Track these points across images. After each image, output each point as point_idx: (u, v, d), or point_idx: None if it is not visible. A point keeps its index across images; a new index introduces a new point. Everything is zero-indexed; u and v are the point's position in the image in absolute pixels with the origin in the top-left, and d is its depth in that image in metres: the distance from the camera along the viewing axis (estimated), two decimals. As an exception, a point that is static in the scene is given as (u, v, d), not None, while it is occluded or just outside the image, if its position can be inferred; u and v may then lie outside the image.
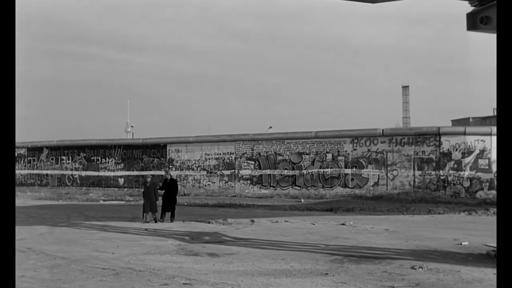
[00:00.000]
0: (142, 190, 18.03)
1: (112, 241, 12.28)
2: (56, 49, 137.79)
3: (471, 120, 69.18)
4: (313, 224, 16.42)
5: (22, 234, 13.23)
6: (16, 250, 10.68)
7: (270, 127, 47.88)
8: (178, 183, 31.36)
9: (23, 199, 29.37)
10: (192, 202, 25.63)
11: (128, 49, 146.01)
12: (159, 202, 17.20)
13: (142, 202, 17.54)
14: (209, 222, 16.92)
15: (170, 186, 17.57)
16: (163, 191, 17.43)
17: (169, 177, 18.20)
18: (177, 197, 17.87)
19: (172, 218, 16.98)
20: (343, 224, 16.38)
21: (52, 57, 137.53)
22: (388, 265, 9.43)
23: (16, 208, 19.32)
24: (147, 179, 17.81)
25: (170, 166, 33.16)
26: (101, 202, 27.13)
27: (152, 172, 31.69)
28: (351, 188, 28.19)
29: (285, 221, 17.28)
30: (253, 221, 17.30)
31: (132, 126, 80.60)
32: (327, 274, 8.56)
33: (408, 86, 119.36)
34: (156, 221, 16.55)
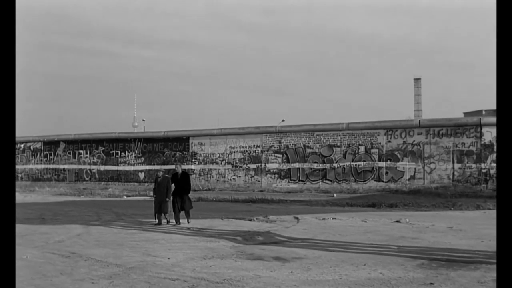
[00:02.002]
0: (153, 186, 15.53)
1: (159, 243, 11.05)
2: (60, 44, 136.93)
3: (484, 112, 67.58)
4: (365, 222, 15.17)
5: (59, 235, 12.07)
6: (60, 256, 9.48)
7: (283, 120, 46.58)
8: (191, 177, 30.09)
9: (42, 195, 28.32)
10: (221, 198, 24.43)
11: (133, 43, 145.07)
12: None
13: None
14: (250, 220, 15.73)
15: (181, 181, 15.14)
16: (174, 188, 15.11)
17: (180, 171, 15.58)
18: (189, 195, 15.30)
19: (187, 218, 14.76)
20: (397, 221, 15.12)
21: (57, 52, 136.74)
22: (490, 271, 8.14)
23: (39, 205, 18.01)
24: (159, 174, 15.40)
25: (193, 160, 31.95)
26: (125, 198, 25.97)
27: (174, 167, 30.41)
28: (386, 182, 26.86)
29: (332, 218, 16.02)
30: (297, 218, 16.08)
31: (143, 120, 79.63)
32: (432, 284, 7.28)
33: (420, 79, 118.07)
34: (167, 222, 14.57)
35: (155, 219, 14.71)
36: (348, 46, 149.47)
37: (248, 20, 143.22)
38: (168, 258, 9.10)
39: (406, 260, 9.18)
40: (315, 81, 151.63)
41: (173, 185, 15.01)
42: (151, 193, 15.87)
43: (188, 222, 14.63)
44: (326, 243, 11.34)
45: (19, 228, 13.43)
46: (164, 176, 15.31)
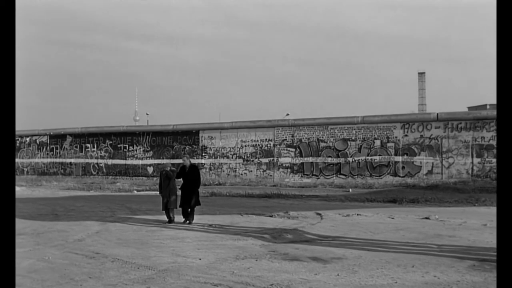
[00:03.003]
0: (159, 181, 14.18)
1: (185, 241, 10.42)
2: (62, 39, 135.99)
3: (488, 106, 67.06)
4: (392, 218, 14.53)
5: (77, 232, 11.43)
6: (84, 256, 8.81)
7: (287, 114, 45.94)
8: (201, 171, 29.08)
9: (50, 189, 27.73)
10: (235, 193, 23.82)
11: (134, 38, 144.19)
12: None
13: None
14: (271, 216, 15.11)
15: (189, 175, 13.68)
16: (181, 182, 13.83)
17: (188, 163, 13.95)
18: (199, 190, 13.91)
19: (190, 218, 13.36)
20: (427, 218, 14.46)
21: (58, 47, 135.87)
22: (551, 274, 7.49)
23: (49, 200, 17.25)
24: (166, 168, 14.09)
25: (203, 154, 31.27)
26: (135, 192, 25.35)
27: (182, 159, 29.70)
28: (402, 177, 26.20)
29: (357, 214, 15.38)
30: (319, 214, 15.46)
31: (147, 114, 79.06)
32: (497, 290, 6.62)
33: (424, 73, 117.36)
34: (172, 221, 13.37)
35: (167, 217, 13.60)
36: (349, 41, 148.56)
37: (249, 15, 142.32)
38: (200, 259, 8.47)
39: (454, 261, 8.55)
40: (315, 76, 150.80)
41: (180, 179, 13.88)
42: (158, 188, 14.37)
43: (189, 222, 13.23)
44: (360, 241, 10.72)
45: (34, 224, 12.85)
46: (172, 169, 14.21)
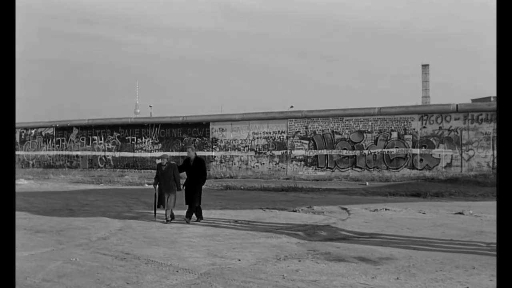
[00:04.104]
0: (155, 175, 12.64)
1: (215, 239, 9.73)
2: (63, 31, 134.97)
3: (492, 99, 66.37)
4: (423, 213, 13.88)
5: (99, 230, 10.73)
6: (114, 257, 8.02)
7: (291, 106, 45.09)
8: (211, 164, 28.35)
9: (59, 182, 27.05)
10: (250, 186, 23.13)
11: (134, 30, 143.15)
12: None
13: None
14: (295, 211, 14.45)
15: (194, 169, 12.34)
16: (185, 177, 12.54)
17: (193, 155, 12.51)
18: (203, 186, 12.66)
19: (198, 215, 12.31)
20: (460, 213, 13.79)
21: (59, 39, 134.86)
22: None
23: (60, 194, 16.37)
24: (163, 162, 12.29)
25: (214, 147, 30.53)
26: (146, 186, 24.65)
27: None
28: (420, 169, 25.48)
29: (385, 209, 14.71)
30: (345, 209, 14.81)
31: (150, 106, 78.23)
32: None
33: (428, 65, 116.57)
34: (172, 219, 12.13)
35: (155, 215, 12.38)
36: (350, 34, 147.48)
37: (249, 7, 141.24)
38: (239, 260, 7.78)
39: (514, 262, 7.87)
40: (315, 68, 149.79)
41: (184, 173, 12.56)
42: (153, 182, 12.75)
43: (198, 220, 12.21)
44: (401, 239, 10.04)
45: (50, 221, 12.16)
46: (170, 163, 12.39)
